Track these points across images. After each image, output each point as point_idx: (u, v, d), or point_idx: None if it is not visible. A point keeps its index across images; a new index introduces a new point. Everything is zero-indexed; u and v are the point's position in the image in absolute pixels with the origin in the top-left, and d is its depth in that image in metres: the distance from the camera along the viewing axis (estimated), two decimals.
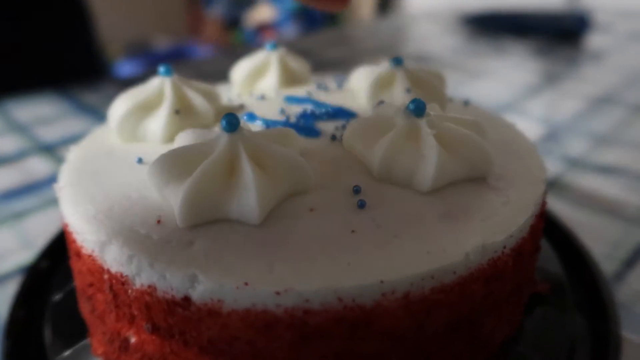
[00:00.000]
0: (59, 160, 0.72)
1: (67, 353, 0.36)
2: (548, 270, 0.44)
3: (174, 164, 0.30)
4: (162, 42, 2.80)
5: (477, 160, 0.33)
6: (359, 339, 0.27)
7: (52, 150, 0.75)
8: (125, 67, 2.49)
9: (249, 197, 0.29)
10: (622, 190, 0.62)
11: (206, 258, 0.27)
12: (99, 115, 0.87)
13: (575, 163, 0.69)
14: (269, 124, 0.39)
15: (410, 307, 0.27)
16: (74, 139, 0.53)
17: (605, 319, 0.39)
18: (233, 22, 2.62)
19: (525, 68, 1.13)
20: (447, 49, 1.30)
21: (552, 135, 0.79)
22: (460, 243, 0.28)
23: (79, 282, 0.35)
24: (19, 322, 0.40)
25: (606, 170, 0.67)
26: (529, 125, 0.82)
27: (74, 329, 0.38)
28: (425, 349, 0.29)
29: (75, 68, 1.08)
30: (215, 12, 2.57)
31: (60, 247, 0.47)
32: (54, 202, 0.62)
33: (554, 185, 0.64)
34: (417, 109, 0.33)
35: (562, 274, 0.44)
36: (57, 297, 0.41)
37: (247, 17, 2.62)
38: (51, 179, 0.66)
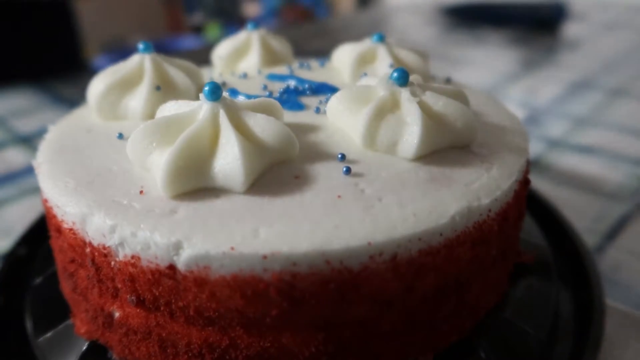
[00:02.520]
0: (36, 150, 0.70)
1: (48, 335, 0.35)
2: (532, 242, 0.44)
3: (156, 134, 0.30)
4: (140, 40, 2.76)
5: (461, 127, 0.33)
6: (347, 302, 0.27)
7: (30, 141, 0.73)
8: (102, 62, 2.45)
9: (234, 165, 0.28)
10: (601, 168, 0.63)
11: (190, 225, 0.27)
12: (76, 106, 0.85)
13: (555, 144, 0.70)
14: (252, 98, 0.39)
15: (399, 270, 0.27)
16: None
17: (589, 288, 0.40)
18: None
19: (504, 56, 1.15)
20: (427, 40, 1.31)
21: (532, 118, 0.80)
22: (446, 206, 0.28)
23: (59, 260, 0.34)
24: (0, 307, 0.39)
25: (585, 150, 0.68)
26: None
27: (56, 311, 0.37)
28: (413, 314, 0.29)
29: (55, 63, 1.06)
30: (195, 20, 2.54)
31: (38, 233, 0.46)
32: (31, 191, 0.60)
33: (535, 165, 0.65)
34: (400, 77, 0.33)
35: (546, 246, 0.44)
36: (37, 281, 0.40)
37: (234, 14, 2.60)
38: (28, 169, 0.65)
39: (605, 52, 1.13)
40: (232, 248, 0.25)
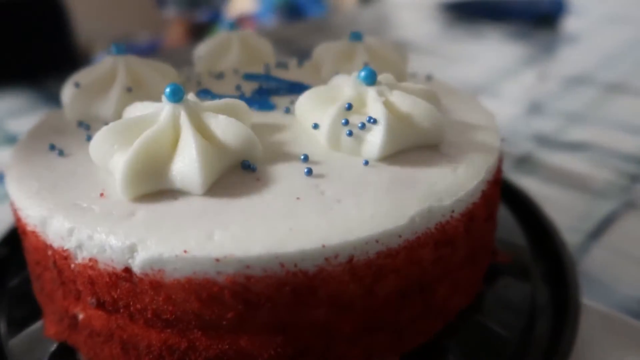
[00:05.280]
0: None
1: (20, 335, 0.36)
2: (512, 242, 0.44)
3: (117, 136, 0.30)
4: (143, 38, 2.77)
5: (428, 127, 0.33)
6: (304, 305, 0.27)
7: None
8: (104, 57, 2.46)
9: (191, 167, 0.28)
10: (591, 165, 0.62)
11: (146, 228, 0.27)
12: None
13: (546, 141, 0.69)
14: (222, 98, 0.39)
15: (356, 272, 0.27)
16: None
17: (566, 289, 0.39)
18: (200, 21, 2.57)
19: (503, 52, 1.13)
20: (426, 36, 1.30)
21: (526, 114, 0.79)
22: (405, 207, 0.28)
23: (28, 261, 0.35)
24: None
25: (577, 146, 0.67)
26: (503, 105, 0.82)
27: (29, 312, 0.37)
28: (375, 317, 0.29)
29: (51, 64, 1.06)
30: (170, 13, 2.52)
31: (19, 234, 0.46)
32: None
33: (524, 161, 0.64)
34: (367, 77, 0.33)
35: (526, 245, 0.44)
36: (13, 282, 0.41)
37: (226, 9, 2.59)
38: None
39: (604, 46, 1.12)
40: (185, 251, 0.25)
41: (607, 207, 0.54)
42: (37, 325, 0.36)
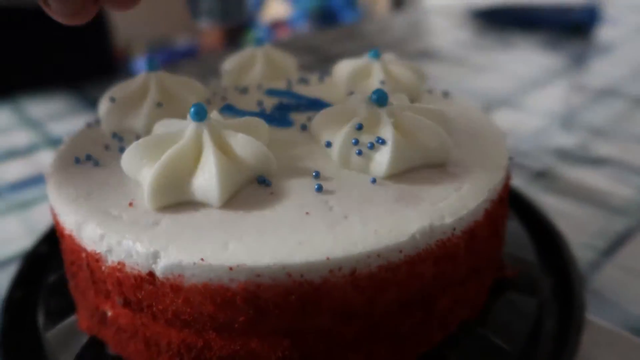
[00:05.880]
0: None
1: (56, 328, 0.39)
2: (521, 257, 0.45)
3: (145, 151, 0.33)
4: (180, 42, 2.85)
5: (435, 147, 0.34)
6: (309, 313, 0.29)
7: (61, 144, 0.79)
8: (142, 63, 2.54)
9: (211, 182, 0.31)
10: (611, 181, 0.62)
11: (168, 237, 0.29)
12: None
13: (568, 155, 0.70)
14: (243, 115, 0.41)
15: (358, 284, 0.29)
16: None
17: (572, 306, 0.40)
18: (236, 26, 2.62)
19: (532, 62, 1.13)
20: (456, 43, 1.31)
21: (550, 127, 0.79)
22: (407, 224, 0.30)
23: (65, 261, 0.38)
24: (16, 301, 0.43)
25: (597, 162, 0.67)
26: (528, 117, 0.82)
27: (65, 307, 0.40)
28: (377, 326, 0.31)
29: (90, 68, 1.12)
30: (202, 24, 2.58)
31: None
32: None
33: (543, 176, 0.65)
34: (379, 98, 0.35)
35: (535, 260, 0.45)
36: (52, 278, 0.44)
37: (259, 15, 2.64)
38: None
39: (637, 58, 1.10)
40: (202, 259, 0.28)
41: (623, 225, 0.54)
42: (72, 319, 0.39)
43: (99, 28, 1.15)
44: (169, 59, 2.49)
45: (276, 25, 2.59)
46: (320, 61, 0.51)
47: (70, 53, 1.07)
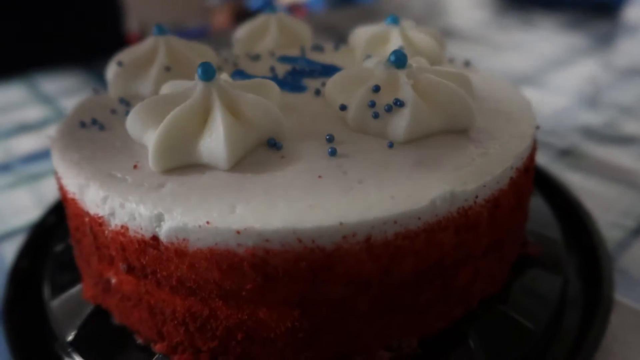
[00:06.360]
0: None
1: (61, 297, 0.38)
2: (546, 235, 0.43)
3: (151, 112, 0.31)
4: (192, 23, 2.84)
5: (458, 112, 0.32)
6: (321, 281, 0.27)
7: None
8: None
9: (218, 143, 0.29)
10: (638, 160, 0.59)
11: (173, 199, 0.28)
12: None
13: (594, 133, 0.67)
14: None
15: (373, 252, 0.27)
16: None
17: (599, 285, 0.38)
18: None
19: (555, 41, 1.09)
20: (476, 23, 1.27)
21: (575, 106, 0.76)
22: (427, 189, 0.28)
23: (70, 227, 0.37)
24: (22, 270, 0.42)
25: (625, 140, 0.64)
26: (552, 96, 0.79)
27: (70, 276, 0.39)
28: (393, 297, 0.29)
29: (105, 48, 1.11)
30: (213, 1, 2.56)
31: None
32: None
33: (569, 154, 0.62)
34: (398, 60, 0.33)
35: (561, 238, 0.43)
36: (59, 248, 0.43)
37: None
38: None
39: None
40: (208, 222, 0.26)
41: None
42: (77, 288, 0.38)
43: (113, 11, 1.15)
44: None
45: (293, 7, 2.55)
46: (337, 40, 0.49)
47: (84, 33, 1.06)
